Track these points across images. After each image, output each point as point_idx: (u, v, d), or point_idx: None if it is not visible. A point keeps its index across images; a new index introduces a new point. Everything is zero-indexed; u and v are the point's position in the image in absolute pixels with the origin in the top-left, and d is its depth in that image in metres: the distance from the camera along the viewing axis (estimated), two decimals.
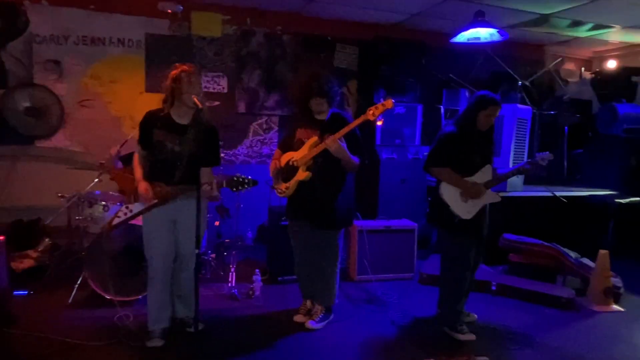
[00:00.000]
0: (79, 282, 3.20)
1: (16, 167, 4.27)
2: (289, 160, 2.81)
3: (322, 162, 2.74)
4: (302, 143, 2.80)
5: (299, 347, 2.71)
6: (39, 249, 3.81)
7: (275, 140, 5.28)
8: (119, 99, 4.59)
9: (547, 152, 2.84)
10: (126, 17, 4.55)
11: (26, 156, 4.34)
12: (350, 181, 2.92)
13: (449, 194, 2.80)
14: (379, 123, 4.66)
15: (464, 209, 2.78)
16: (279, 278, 3.77)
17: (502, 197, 2.93)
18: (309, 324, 2.93)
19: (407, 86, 5.09)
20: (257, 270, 3.56)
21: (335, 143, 2.60)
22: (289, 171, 2.81)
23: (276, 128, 5.27)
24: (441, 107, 5.14)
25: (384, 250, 3.88)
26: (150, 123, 2.55)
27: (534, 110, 4.92)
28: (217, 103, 4.22)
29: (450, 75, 5.00)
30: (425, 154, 4.95)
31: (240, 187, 2.42)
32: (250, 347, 2.68)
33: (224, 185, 2.45)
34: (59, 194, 3.51)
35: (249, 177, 2.45)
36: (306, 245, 2.95)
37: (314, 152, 2.72)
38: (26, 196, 4.23)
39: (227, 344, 2.70)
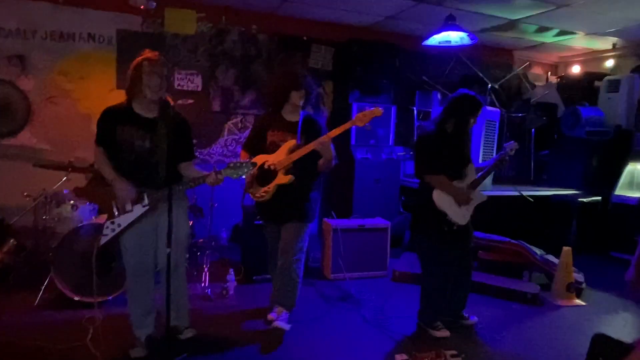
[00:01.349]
0: (45, 283, 3.11)
1: None
2: (265, 163, 2.74)
3: (300, 164, 2.72)
4: (277, 146, 2.76)
5: (273, 346, 2.71)
6: (4, 250, 3.65)
7: None
8: (88, 96, 4.46)
9: (512, 141, 2.91)
10: (97, 12, 4.43)
11: None
12: (320, 182, 2.93)
13: (445, 201, 2.72)
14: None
15: (460, 214, 2.76)
16: (254, 277, 3.76)
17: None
18: (279, 324, 2.83)
19: (381, 87, 5.16)
20: (231, 269, 3.54)
21: (328, 143, 2.63)
22: (265, 174, 2.75)
23: (251, 127, 5.23)
24: (414, 108, 5.23)
25: (358, 249, 3.92)
26: (112, 119, 2.30)
27: (503, 113, 5.08)
28: (191, 101, 4.16)
29: (424, 77, 5.10)
30: (400, 153, 5.10)
31: (240, 172, 2.27)
32: (223, 346, 2.67)
33: (223, 173, 2.29)
34: (25, 193, 3.39)
35: (246, 160, 2.32)
36: (276, 241, 2.93)
37: (296, 155, 2.66)
38: None
39: (200, 344, 2.67)
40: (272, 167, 2.72)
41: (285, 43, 5.23)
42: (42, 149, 4.32)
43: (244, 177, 2.34)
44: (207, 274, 3.53)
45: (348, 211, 4.78)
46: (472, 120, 2.77)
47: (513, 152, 2.89)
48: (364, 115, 2.61)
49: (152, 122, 2.28)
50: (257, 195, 2.79)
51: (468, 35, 4.35)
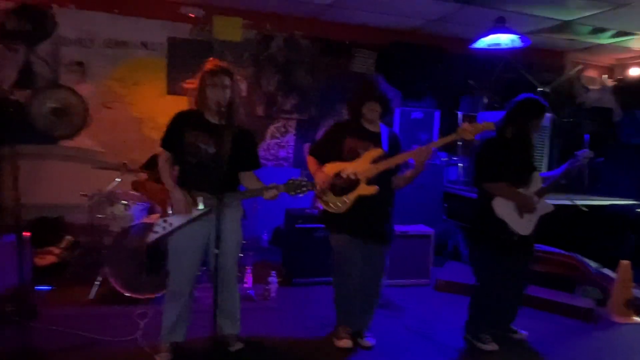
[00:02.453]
0: (99, 278, 3.26)
1: (41, 165, 4.35)
2: (342, 171, 2.55)
3: (383, 175, 2.56)
4: (357, 153, 2.57)
5: (313, 352, 2.71)
6: (61, 246, 3.90)
7: (292, 144, 5.31)
8: (140, 101, 4.67)
9: (587, 150, 2.72)
10: (149, 20, 4.63)
11: (50, 155, 4.43)
12: None
13: (505, 210, 2.59)
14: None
15: (521, 224, 2.63)
16: (294, 280, 3.79)
17: None
18: (370, 342, 2.76)
19: (425, 91, 5.08)
20: (273, 272, 3.58)
21: (429, 154, 2.48)
22: (342, 183, 2.54)
23: (293, 131, 5.30)
24: (459, 112, 5.11)
25: (400, 256, 3.84)
26: (181, 123, 2.36)
27: (554, 118, 4.86)
28: None
29: (469, 81, 4.98)
30: (443, 159, 4.98)
31: (298, 191, 2.25)
32: (264, 349, 2.70)
33: (282, 189, 2.28)
34: (82, 193, 3.58)
35: (305, 179, 2.29)
36: (359, 262, 2.68)
37: (384, 165, 2.49)
38: (50, 194, 4.30)
39: (245, 345, 2.68)
40: (352, 175, 2.53)
41: (328, 48, 5.27)
42: (97, 150, 4.56)
43: (300, 196, 2.28)
44: (251, 275, 3.59)
45: None
46: (534, 125, 2.65)
47: (587, 161, 2.70)
48: (474, 127, 2.40)
49: (218, 128, 2.31)
50: (332, 204, 2.60)
51: (519, 37, 4.20)
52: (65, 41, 4.44)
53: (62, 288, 3.40)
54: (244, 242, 4.15)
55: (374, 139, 2.62)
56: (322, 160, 2.67)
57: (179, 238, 2.38)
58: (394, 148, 2.64)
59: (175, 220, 2.35)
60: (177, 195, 2.31)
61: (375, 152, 2.55)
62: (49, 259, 3.74)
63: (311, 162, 2.72)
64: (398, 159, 2.53)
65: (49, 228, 4.13)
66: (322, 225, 3.68)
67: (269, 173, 4.98)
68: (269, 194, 2.31)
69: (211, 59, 2.39)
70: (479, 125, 2.44)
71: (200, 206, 2.33)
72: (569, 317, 3.37)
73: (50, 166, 4.42)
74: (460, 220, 4.60)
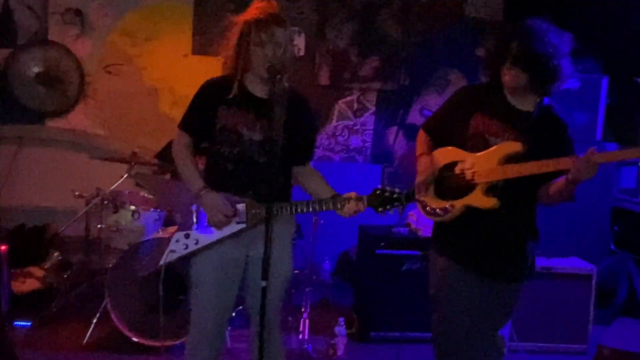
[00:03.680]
0: (97, 315, 3.44)
1: (20, 154, 4.70)
2: (456, 164, 2.50)
3: (517, 184, 2.43)
4: (485, 141, 2.47)
5: None
6: (46, 266, 4.18)
7: (371, 128, 5.33)
8: (156, 64, 4.93)
9: None
10: None
11: (33, 140, 4.77)
12: None
13: None
14: None
15: None
16: (372, 333, 3.79)
17: None
18: None
19: (582, 48, 4.87)
20: (340, 319, 3.60)
21: (594, 167, 2.25)
22: (452, 182, 2.51)
23: (373, 109, 5.32)
24: None
25: (540, 306, 3.75)
26: (213, 97, 2.36)
27: None
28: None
29: None
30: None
31: (388, 206, 2.29)
32: None
33: (366, 204, 2.29)
34: (76, 192, 3.84)
35: (398, 189, 2.30)
36: (468, 302, 2.58)
37: (517, 170, 2.36)
38: (31, 193, 4.67)
39: None
40: (469, 174, 2.47)
41: None
42: (98, 134, 4.87)
43: (390, 213, 2.30)
44: (307, 321, 3.65)
45: None
46: None
47: None
48: None
49: (263, 103, 2.32)
50: (429, 208, 2.57)
51: None
52: None
53: (47, 326, 3.64)
54: (296, 272, 4.29)
55: (517, 123, 2.47)
56: (438, 140, 2.62)
57: (205, 263, 2.43)
58: (544, 136, 2.45)
59: (203, 238, 2.41)
60: (210, 199, 2.33)
61: (511, 147, 2.41)
62: (31, 284, 4.04)
63: (420, 139, 2.69)
64: (540, 167, 2.35)
65: (30, 241, 4.45)
66: (417, 253, 3.74)
67: (335, 170, 5.03)
68: (346, 209, 2.29)
69: (256, 1, 2.37)
70: None
71: (243, 217, 2.35)
72: None
73: (33, 154, 4.76)
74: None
